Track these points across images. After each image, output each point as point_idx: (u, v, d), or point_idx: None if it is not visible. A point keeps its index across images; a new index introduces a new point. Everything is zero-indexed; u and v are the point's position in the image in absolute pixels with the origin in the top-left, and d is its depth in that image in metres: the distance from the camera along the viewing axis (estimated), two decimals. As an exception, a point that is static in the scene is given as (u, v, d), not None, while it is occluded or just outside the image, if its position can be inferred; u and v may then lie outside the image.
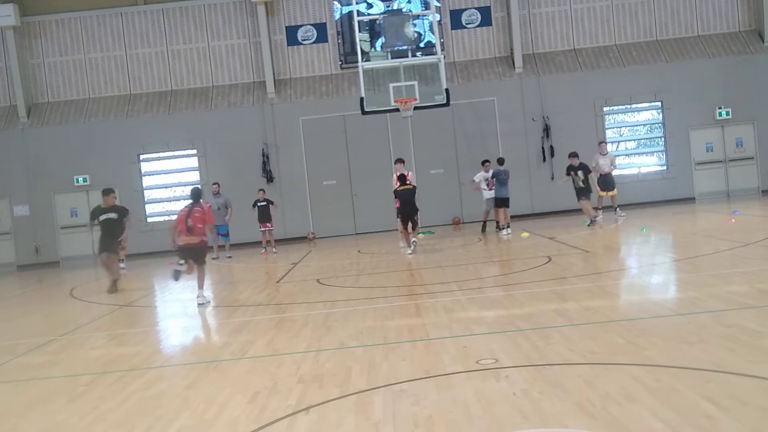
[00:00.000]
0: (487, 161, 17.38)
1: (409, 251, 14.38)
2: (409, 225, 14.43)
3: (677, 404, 4.15)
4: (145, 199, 21.76)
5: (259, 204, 17.62)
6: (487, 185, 16.85)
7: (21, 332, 9.52)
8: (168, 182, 21.64)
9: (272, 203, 17.73)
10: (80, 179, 21.27)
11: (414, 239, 14.52)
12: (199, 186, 12.96)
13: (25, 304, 12.74)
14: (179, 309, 10.83)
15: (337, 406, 4.76)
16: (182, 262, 10.19)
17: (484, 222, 17.52)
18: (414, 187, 14.61)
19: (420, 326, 7.11)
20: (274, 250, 17.70)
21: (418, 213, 15.28)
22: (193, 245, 10.18)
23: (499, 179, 16.31)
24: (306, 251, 17.45)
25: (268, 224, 17.68)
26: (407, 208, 14.35)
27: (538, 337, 6.09)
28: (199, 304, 9.94)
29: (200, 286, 10.18)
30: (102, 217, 12.21)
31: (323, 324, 7.67)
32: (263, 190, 18.29)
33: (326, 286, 10.87)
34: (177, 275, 10.25)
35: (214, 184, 18.10)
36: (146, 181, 21.77)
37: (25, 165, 21.28)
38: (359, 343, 6.61)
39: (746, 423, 3.82)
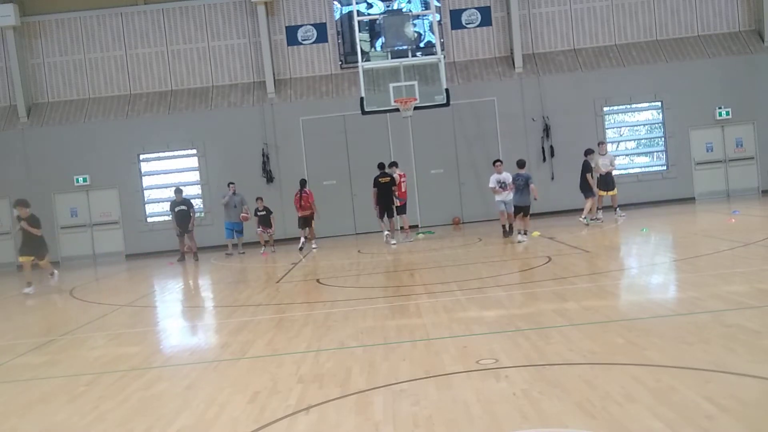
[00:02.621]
0: (497, 161, 15.89)
1: (393, 242, 15.94)
2: (391, 220, 16.60)
3: (677, 404, 4.15)
4: (145, 199, 21.77)
5: (258, 213, 17.81)
6: (501, 188, 15.34)
7: (21, 332, 9.53)
8: (168, 182, 21.60)
9: (271, 213, 17.82)
10: (80, 179, 21.27)
11: (409, 239, 15.39)
12: (305, 178, 18.07)
13: (25, 303, 12.73)
14: (179, 309, 10.84)
15: (337, 406, 4.75)
16: (302, 240, 17.07)
17: (504, 226, 15.89)
18: (392, 179, 16.50)
19: (420, 326, 7.10)
20: (273, 249, 17.73)
21: (405, 208, 17.46)
22: (306, 216, 17.23)
23: (516, 185, 14.88)
24: (306, 251, 17.44)
25: (269, 230, 17.90)
26: (383, 198, 16.44)
27: (538, 337, 6.09)
28: (313, 248, 16.89)
29: (311, 239, 17.46)
30: (177, 209, 17.84)
31: (323, 324, 7.67)
32: (261, 198, 18.19)
33: (326, 286, 10.87)
34: (301, 247, 16.86)
35: (231, 183, 18.51)
36: (146, 181, 21.79)
37: (25, 165, 21.28)
38: (359, 343, 6.61)
39: (746, 423, 3.82)
